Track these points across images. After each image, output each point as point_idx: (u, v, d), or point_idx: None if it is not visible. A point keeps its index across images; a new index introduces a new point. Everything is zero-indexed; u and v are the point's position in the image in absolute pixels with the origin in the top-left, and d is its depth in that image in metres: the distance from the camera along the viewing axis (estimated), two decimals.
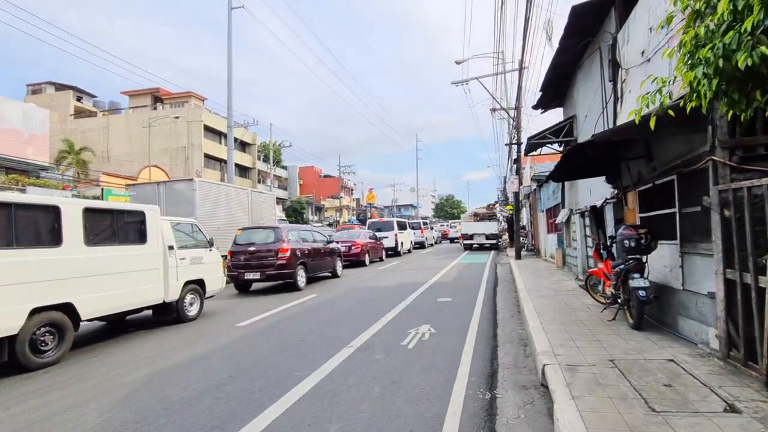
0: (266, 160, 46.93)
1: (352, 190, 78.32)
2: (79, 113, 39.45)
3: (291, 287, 9.81)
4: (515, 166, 16.28)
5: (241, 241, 9.77)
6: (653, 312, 5.18)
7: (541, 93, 11.31)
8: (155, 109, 40.12)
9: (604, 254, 5.70)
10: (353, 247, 15.51)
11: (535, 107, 12.40)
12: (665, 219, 4.93)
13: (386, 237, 20.49)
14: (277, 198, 56.58)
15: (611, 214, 6.61)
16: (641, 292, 4.56)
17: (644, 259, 4.81)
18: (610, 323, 5.22)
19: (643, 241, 4.51)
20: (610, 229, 6.68)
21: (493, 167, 50.45)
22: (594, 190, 8.44)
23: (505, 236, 25.53)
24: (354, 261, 15.73)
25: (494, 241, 23.28)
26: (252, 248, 9.51)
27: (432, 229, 32.83)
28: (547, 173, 13.91)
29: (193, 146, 37.51)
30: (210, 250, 7.24)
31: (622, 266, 4.87)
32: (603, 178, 7.14)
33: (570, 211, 10.63)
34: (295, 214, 54.39)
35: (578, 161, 5.46)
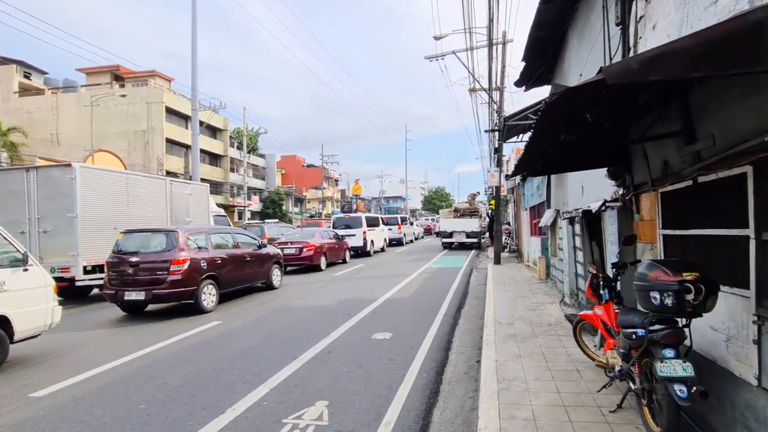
0: (241, 147, 44.01)
1: (337, 180, 75.83)
2: (25, 91, 35.94)
3: (195, 308, 7.49)
4: (496, 156, 14.06)
5: (125, 248, 7.39)
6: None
7: (524, 64, 9.03)
8: (112, 88, 36.73)
9: (605, 294, 3.53)
10: (305, 249, 13.21)
11: (518, 84, 10.13)
12: (715, 244, 2.76)
13: (353, 235, 18.23)
14: (254, 189, 53.71)
15: (614, 225, 4.44)
16: (679, 389, 2.38)
17: (683, 322, 2.63)
18: (614, 419, 3.06)
19: (691, 298, 2.32)
20: (612, 249, 4.50)
21: (480, 159, 48.18)
22: (588, 188, 6.26)
23: (488, 234, 23.47)
24: (307, 265, 13.46)
25: (475, 240, 21.21)
26: (135, 258, 7.13)
27: (412, 224, 30.61)
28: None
29: (154, 130, 34.45)
30: (25, 269, 4.87)
31: (641, 332, 2.69)
32: (602, 171, 4.95)
33: (556, 213, 8.48)
34: (273, 205, 51.71)
35: (565, 141, 3.24)
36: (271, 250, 10.11)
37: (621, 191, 4.50)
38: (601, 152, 4.20)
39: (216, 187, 42.45)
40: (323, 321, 6.78)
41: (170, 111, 36.14)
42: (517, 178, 15.33)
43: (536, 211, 11.76)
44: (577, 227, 6.42)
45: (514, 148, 19.19)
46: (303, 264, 13.44)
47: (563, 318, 6.13)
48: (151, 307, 7.93)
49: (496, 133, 14.15)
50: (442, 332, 6.11)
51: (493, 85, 13.57)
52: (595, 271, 3.64)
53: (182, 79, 72.66)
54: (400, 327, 6.34)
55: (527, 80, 9.47)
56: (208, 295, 7.68)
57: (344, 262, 15.90)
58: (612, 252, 4.46)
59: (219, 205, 42.59)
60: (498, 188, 14.07)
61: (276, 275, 10.17)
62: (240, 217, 43.58)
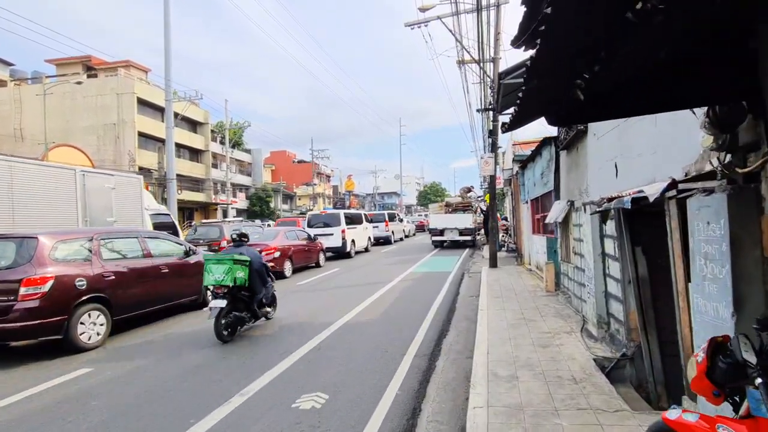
0: (224, 142, 41.58)
1: (329, 176, 73.64)
2: None
3: (69, 346, 5.30)
4: (491, 140, 11.89)
5: None
6: None
7: (524, 10, 6.83)
8: (81, 76, 34.21)
9: (761, 406, 1.39)
10: (263, 254, 11.01)
11: (515, 41, 7.93)
12: None
13: (331, 234, 16.09)
14: (239, 185, 51.49)
15: (721, 222, 2.29)
16: None
17: None
18: None
19: None
20: (711, 271, 2.32)
21: (475, 151, 45.77)
22: (628, 164, 4.12)
23: (483, 230, 21.38)
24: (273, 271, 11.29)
25: (469, 237, 19.09)
26: None
27: (402, 221, 28.40)
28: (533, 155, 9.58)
29: (125, 123, 32.08)
30: None
31: None
32: (657, 133, 2.79)
33: (569, 205, 6.36)
34: (260, 202, 49.50)
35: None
36: (201, 258, 7.92)
37: (722, 158, 2.34)
38: (698, 73, 2.04)
39: (197, 184, 40.14)
40: (237, 368, 4.63)
41: (143, 102, 33.77)
42: (515, 167, 13.20)
43: (539, 204, 9.65)
44: (610, 225, 4.29)
45: (511, 138, 17.04)
46: None
47: (592, 365, 4.01)
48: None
49: (490, 114, 12.00)
50: (409, 388, 3.98)
51: (486, 56, 11.39)
52: (734, 352, 1.47)
53: (177, 76, 70.01)
54: (345, 380, 4.19)
55: (526, 31, 7.26)
56: (91, 325, 5.50)
57: (318, 265, 13.76)
58: (711, 277, 2.31)
59: (200, 203, 40.40)
60: (493, 177, 11.93)
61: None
62: (225, 215, 41.43)
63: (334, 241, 16.01)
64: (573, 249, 6.24)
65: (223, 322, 5.49)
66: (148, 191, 13.16)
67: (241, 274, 5.67)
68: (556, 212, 6.87)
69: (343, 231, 16.12)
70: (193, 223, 15.43)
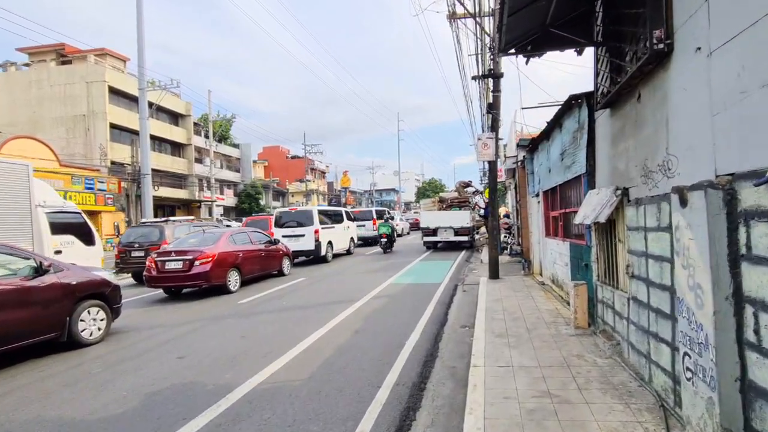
0: (209, 136, 39.00)
1: (324, 172, 71.16)
2: None
3: None
4: (490, 116, 9.33)
5: None
6: None
7: None
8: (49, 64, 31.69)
9: None
10: (198, 263, 8.52)
11: None
12: None
13: (302, 235, 13.63)
14: (227, 182, 48.95)
15: None
16: None
17: None
18: None
19: None
20: None
21: (474, 145, 42.54)
22: None
23: (483, 229, 18.87)
24: (208, 287, 8.79)
25: (466, 238, 16.58)
26: None
27: (393, 219, 25.81)
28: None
29: (96, 114, 29.62)
30: None
31: None
32: None
33: (621, 195, 3.86)
34: (249, 199, 47.00)
35: None
36: (70, 276, 5.42)
37: None
38: None
39: (179, 180, 37.65)
40: None
41: (116, 92, 31.30)
42: (521, 153, 10.68)
43: (558, 196, 7.13)
44: (762, 234, 1.78)
45: (513, 125, 14.43)
46: (197, 285, 8.79)
47: None
48: None
49: (490, 84, 9.45)
50: None
51: (484, 8, 8.83)
52: None
53: (170, 72, 67.31)
54: None
55: None
56: None
57: (280, 274, 11.29)
58: None
59: (182, 200, 37.89)
60: (494, 164, 9.38)
61: (92, 321, 5.53)
62: (210, 213, 39.04)
63: (306, 244, 13.54)
64: (629, 269, 3.74)
65: (385, 246, 16.42)
66: (51, 185, 10.69)
67: (390, 231, 16.55)
68: (593, 207, 4.37)
69: (316, 231, 13.63)
70: (116, 224, 12.85)
